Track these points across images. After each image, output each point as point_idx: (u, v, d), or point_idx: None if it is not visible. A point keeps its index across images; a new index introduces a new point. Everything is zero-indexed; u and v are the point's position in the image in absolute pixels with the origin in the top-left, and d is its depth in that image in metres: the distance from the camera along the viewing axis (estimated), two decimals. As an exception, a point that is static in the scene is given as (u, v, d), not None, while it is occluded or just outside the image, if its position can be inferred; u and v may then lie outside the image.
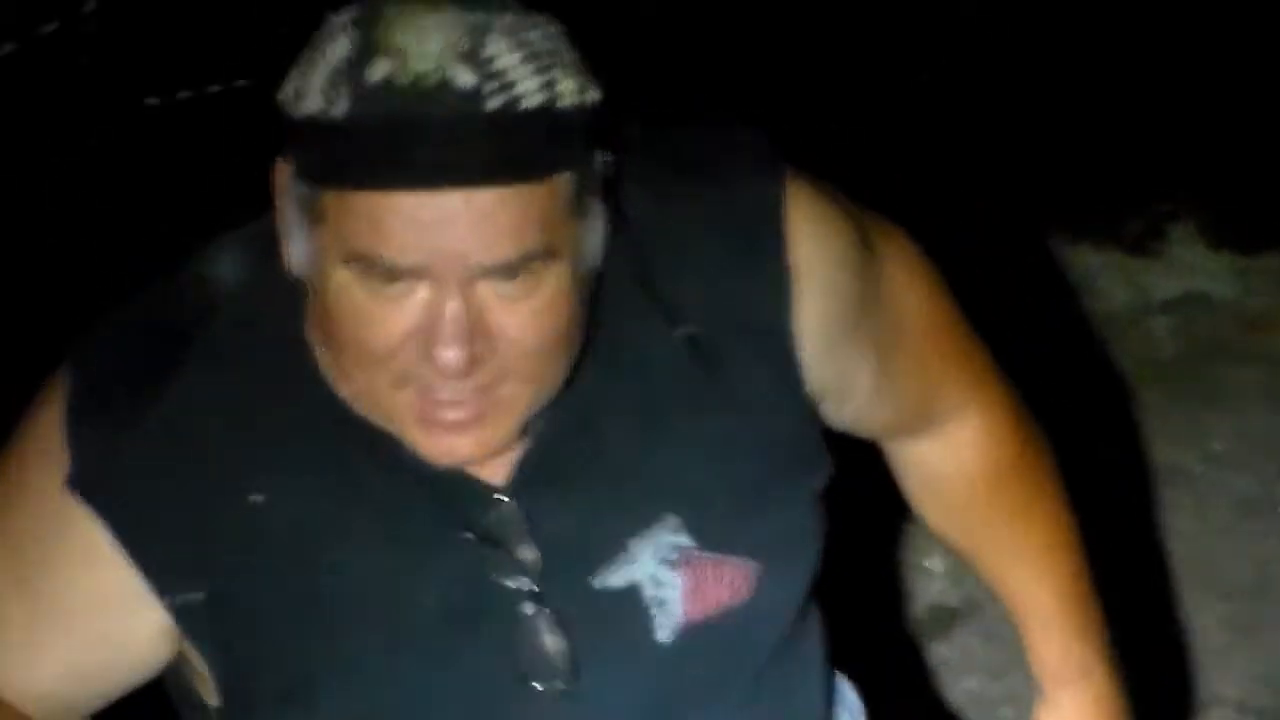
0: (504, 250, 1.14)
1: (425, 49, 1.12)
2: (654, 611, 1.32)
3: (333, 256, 1.16)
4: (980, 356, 1.52)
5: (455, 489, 1.28)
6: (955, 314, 1.49)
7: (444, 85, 1.11)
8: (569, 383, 1.26)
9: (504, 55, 1.13)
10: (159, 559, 1.26)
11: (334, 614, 1.28)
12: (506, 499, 1.28)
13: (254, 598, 1.27)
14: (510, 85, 1.12)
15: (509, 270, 1.15)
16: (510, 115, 1.12)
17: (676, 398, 1.30)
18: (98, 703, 1.37)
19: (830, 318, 1.34)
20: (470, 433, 1.21)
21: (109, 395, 1.26)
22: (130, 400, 1.25)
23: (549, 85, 1.14)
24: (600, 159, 1.20)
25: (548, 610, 1.30)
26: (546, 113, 1.13)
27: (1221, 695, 2.90)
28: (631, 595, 1.31)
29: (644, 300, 1.29)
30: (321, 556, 1.27)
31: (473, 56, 1.12)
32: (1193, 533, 3.19)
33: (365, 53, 1.13)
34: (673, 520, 1.31)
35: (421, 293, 1.16)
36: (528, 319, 1.17)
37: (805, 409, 1.35)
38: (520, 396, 1.21)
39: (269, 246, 1.23)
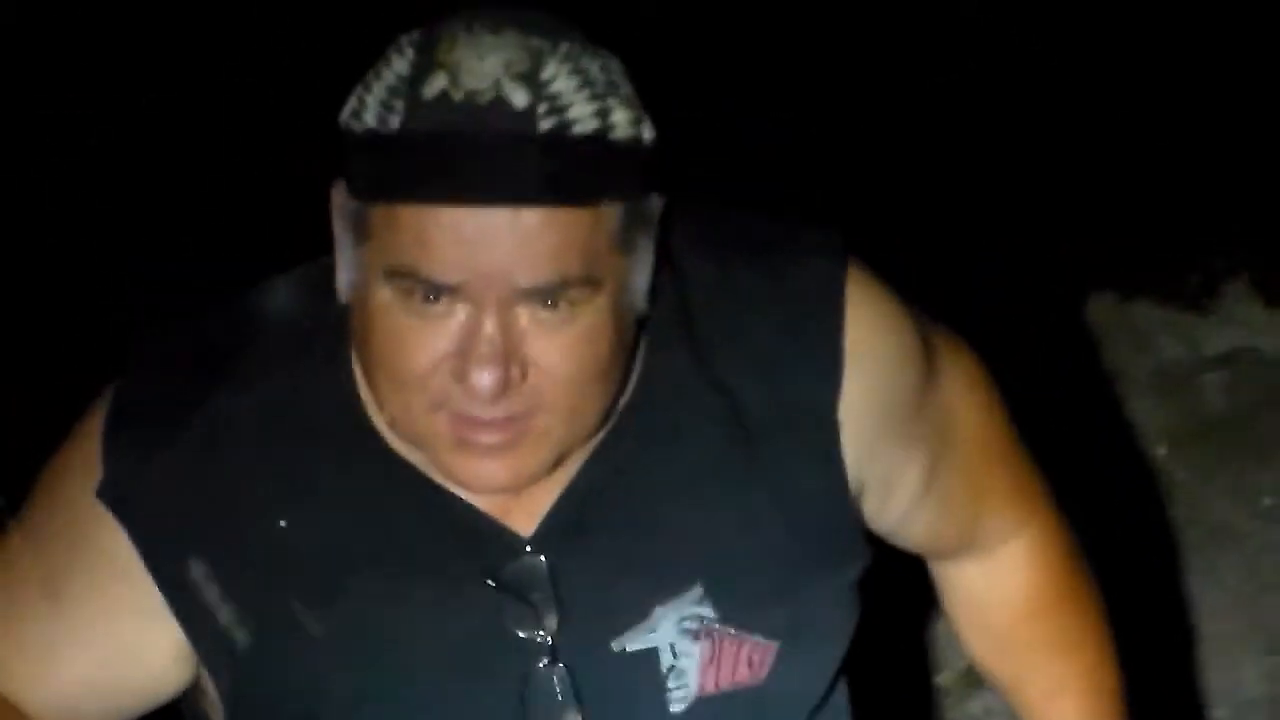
0: (545, 273, 1.14)
1: (482, 67, 1.12)
2: (670, 681, 1.30)
3: (376, 273, 1.16)
4: (1034, 482, 1.49)
5: (482, 534, 1.27)
6: (1011, 435, 1.46)
7: (498, 102, 1.12)
8: (606, 435, 1.25)
9: (560, 79, 1.13)
10: (178, 575, 1.26)
11: (349, 647, 1.27)
12: (531, 549, 1.27)
13: (270, 623, 1.27)
14: (564, 109, 1.13)
15: (548, 294, 1.15)
16: (562, 138, 1.12)
17: (714, 467, 1.28)
18: None
19: (880, 408, 1.32)
20: (503, 459, 1.20)
21: (148, 412, 1.27)
22: (168, 418, 1.26)
23: (603, 114, 1.14)
24: (652, 199, 1.19)
25: (562, 667, 1.28)
26: (598, 140, 1.13)
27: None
28: (649, 661, 1.29)
29: (691, 364, 1.28)
30: (341, 586, 1.26)
31: (529, 78, 1.13)
32: (1242, 589, 3.16)
33: (423, 70, 1.13)
34: (697, 589, 1.29)
35: (460, 315, 1.15)
36: (564, 348, 1.17)
37: (845, 498, 1.33)
38: (553, 429, 1.20)
39: (321, 283, 1.24)
